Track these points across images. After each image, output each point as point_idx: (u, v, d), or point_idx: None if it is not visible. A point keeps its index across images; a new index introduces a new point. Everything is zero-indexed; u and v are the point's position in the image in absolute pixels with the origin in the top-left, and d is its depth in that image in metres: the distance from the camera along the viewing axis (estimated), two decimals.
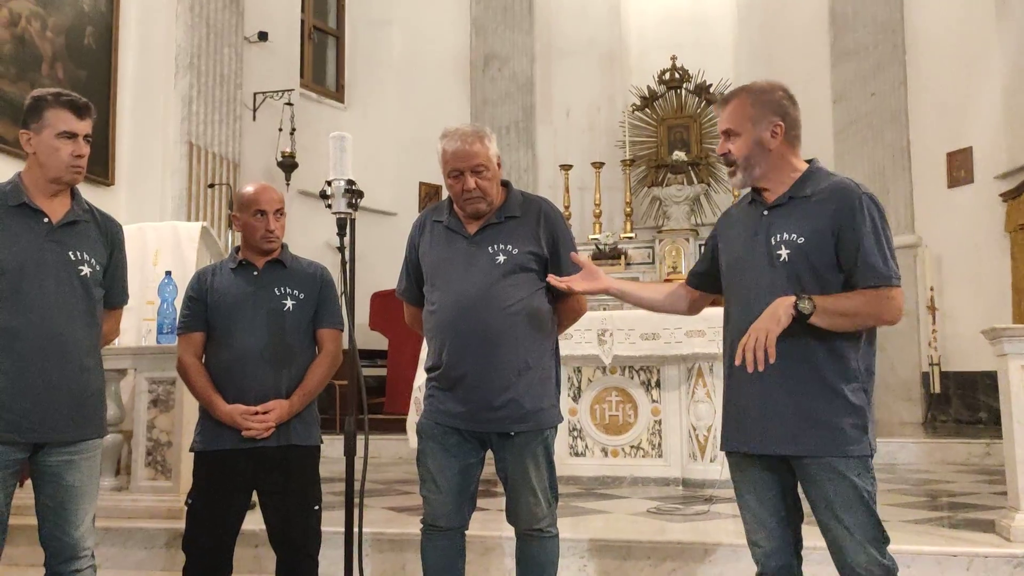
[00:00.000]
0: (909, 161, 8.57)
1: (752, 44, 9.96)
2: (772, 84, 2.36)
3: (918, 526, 3.72)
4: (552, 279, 2.53)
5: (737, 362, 2.16)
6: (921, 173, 8.50)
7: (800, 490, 2.28)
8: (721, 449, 2.40)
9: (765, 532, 2.28)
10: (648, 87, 10.08)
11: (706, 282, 2.53)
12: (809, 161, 2.34)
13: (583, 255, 2.57)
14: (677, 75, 10.01)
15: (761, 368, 2.11)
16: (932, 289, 8.05)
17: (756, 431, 2.23)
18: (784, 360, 2.13)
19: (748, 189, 2.39)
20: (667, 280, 8.11)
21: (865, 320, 2.17)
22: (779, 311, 2.11)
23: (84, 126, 2.47)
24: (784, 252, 2.20)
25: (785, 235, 2.21)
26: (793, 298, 2.12)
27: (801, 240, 2.19)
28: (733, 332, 2.30)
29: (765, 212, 2.29)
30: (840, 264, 2.18)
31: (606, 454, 5.14)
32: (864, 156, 8.76)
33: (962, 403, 8.06)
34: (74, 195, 2.55)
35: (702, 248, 2.63)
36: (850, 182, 2.24)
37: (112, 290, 2.62)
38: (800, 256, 2.19)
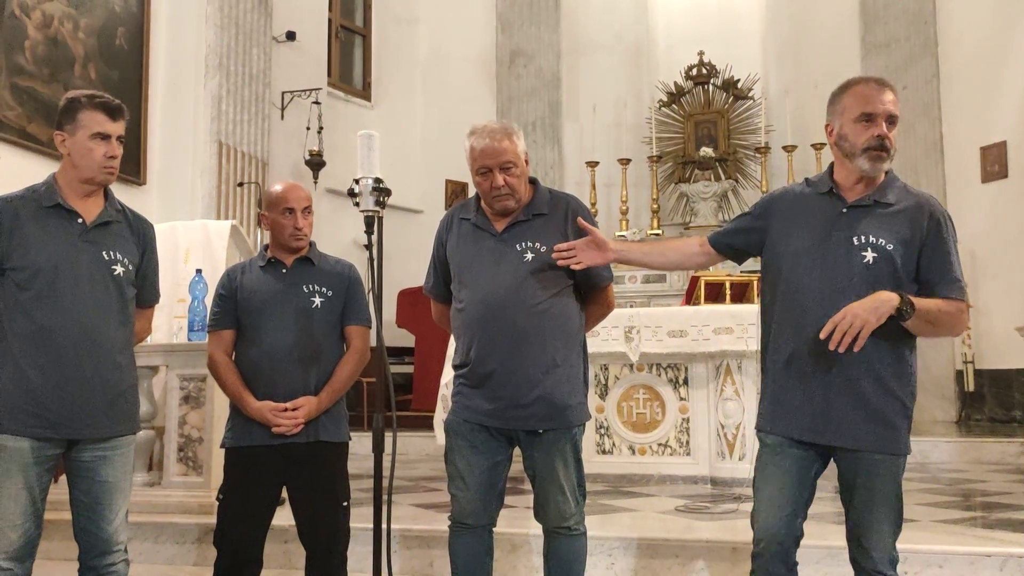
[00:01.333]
0: (942, 155, 8.45)
1: (780, 38, 9.88)
2: None
3: (951, 526, 3.67)
4: (557, 254, 2.50)
5: (823, 335, 2.15)
6: (954, 167, 8.38)
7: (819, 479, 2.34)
8: (760, 430, 2.40)
9: (776, 516, 2.33)
10: (675, 83, 10.02)
11: (734, 253, 2.53)
12: (887, 171, 2.35)
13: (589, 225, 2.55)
14: (704, 70, 9.94)
15: (842, 350, 2.13)
16: (966, 285, 7.92)
17: (813, 421, 2.27)
18: (851, 356, 2.18)
19: (804, 178, 2.44)
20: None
21: (942, 330, 2.29)
22: (882, 307, 2.15)
23: (117, 127, 2.50)
24: (870, 255, 2.24)
25: (872, 238, 2.25)
26: (898, 298, 2.16)
27: (890, 246, 2.24)
28: (800, 322, 2.28)
29: (844, 209, 2.31)
30: (920, 275, 2.25)
31: (633, 452, 5.13)
32: (896, 150, 8.64)
33: (996, 401, 7.94)
34: (107, 195, 2.58)
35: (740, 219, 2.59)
36: (934, 199, 2.34)
37: (144, 289, 2.65)
38: (887, 261, 2.24)
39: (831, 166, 2.43)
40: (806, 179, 2.49)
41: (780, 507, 2.32)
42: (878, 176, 2.32)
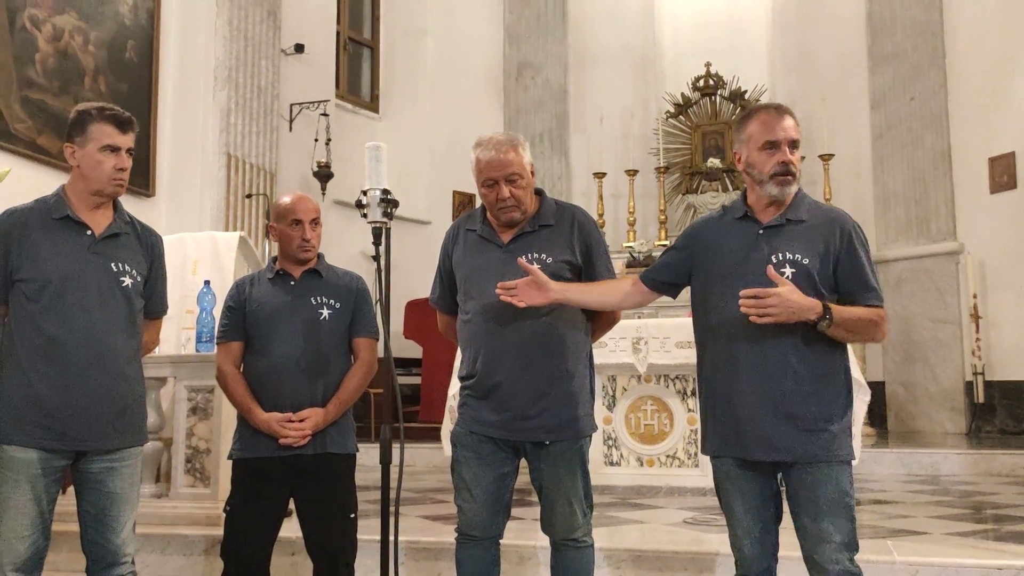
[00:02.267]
0: (950, 166, 8.42)
1: (787, 49, 9.88)
2: None
3: (962, 539, 3.64)
4: (500, 290, 2.47)
5: (743, 296, 2.21)
6: (963, 178, 8.35)
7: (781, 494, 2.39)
8: (705, 453, 2.48)
9: (749, 539, 2.38)
10: (682, 94, 10.03)
11: (665, 287, 2.58)
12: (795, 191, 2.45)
13: (533, 266, 2.51)
14: (711, 81, 9.95)
15: (753, 318, 2.20)
16: (975, 296, 7.89)
17: (747, 438, 2.31)
18: (781, 363, 2.27)
19: (720, 204, 2.50)
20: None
21: (862, 337, 2.36)
22: (803, 312, 2.21)
23: (126, 140, 2.52)
24: (788, 270, 2.31)
25: (788, 254, 2.33)
26: (820, 306, 2.22)
27: (807, 260, 2.31)
28: (725, 343, 2.36)
29: (760, 231, 2.38)
30: (839, 286, 2.32)
31: (641, 463, 5.11)
32: (904, 161, 8.64)
33: (1007, 413, 7.88)
34: (116, 207, 2.59)
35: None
36: (843, 212, 2.44)
37: (152, 300, 2.66)
38: (805, 275, 2.30)
39: (744, 191, 2.51)
40: (723, 206, 2.58)
41: (749, 530, 2.37)
42: (787, 198, 2.39)
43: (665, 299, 2.72)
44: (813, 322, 2.22)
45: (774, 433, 2.28)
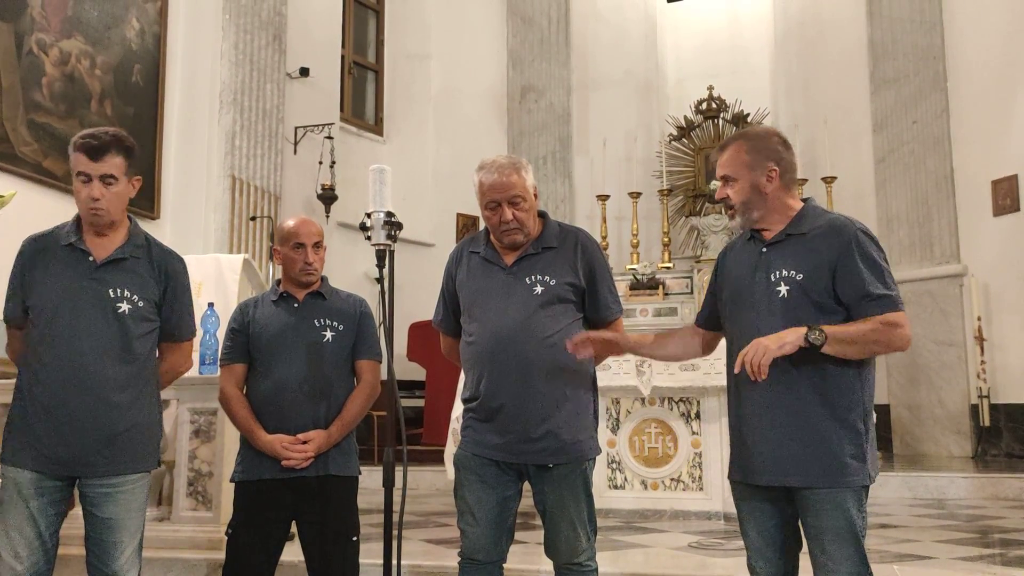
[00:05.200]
0: (953, 189, 8.43)
1: (790, 73, 9.94)
2: (767, 130, 2.51)
3: (969, 563, 3.61)
4: (570, 347, 2.52)
5: (736, 370, 2.23)
6: (965, 201, 8.36)
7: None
8: (728, 478, 2.46)
9: (764, 561, 2.35)
10: (685, 116, 10.08)
11: (714, 321, 2.56)
12: (804, 200, 2.43)
13: (592, 333, 2.58)
14: (714, 104, 10.00)
15: (752, 378, 2.17)
16: (980, 319, 7.88)
17: (762, 463, 2.28)
18: (791, 391, 2.24)
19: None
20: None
21: (874, 348, 2.24)
22: (787, 336, 2.18)
23: (99, 167, 2.45)
24: (783, 288, 2.28)
25: (784, 272, 2.29)
26: (805, 329, 2.18)
27: (800, 276, 2.27)
28: (733, 366, 2.33)
29: (764, 250, 2.37)
30: (840, 298, 2.24)
31: (646, 487, 5.08)
32: (907, 184, 8.65)
33: (1013, 436, 7.84)
34: (131, 231, 2.59)
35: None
36: (844, 219, 2.34)
37: (170, 323, 2.62)
38: (800, 292, 2.26)
39: None
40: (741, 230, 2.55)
41: (762, 552, 2.35)
42: (747, 226, 2.40)
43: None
44: (810, 345, 2.17)
45: (779, 458, 2.24)
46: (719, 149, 2.46)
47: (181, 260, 2.68)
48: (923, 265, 8.44)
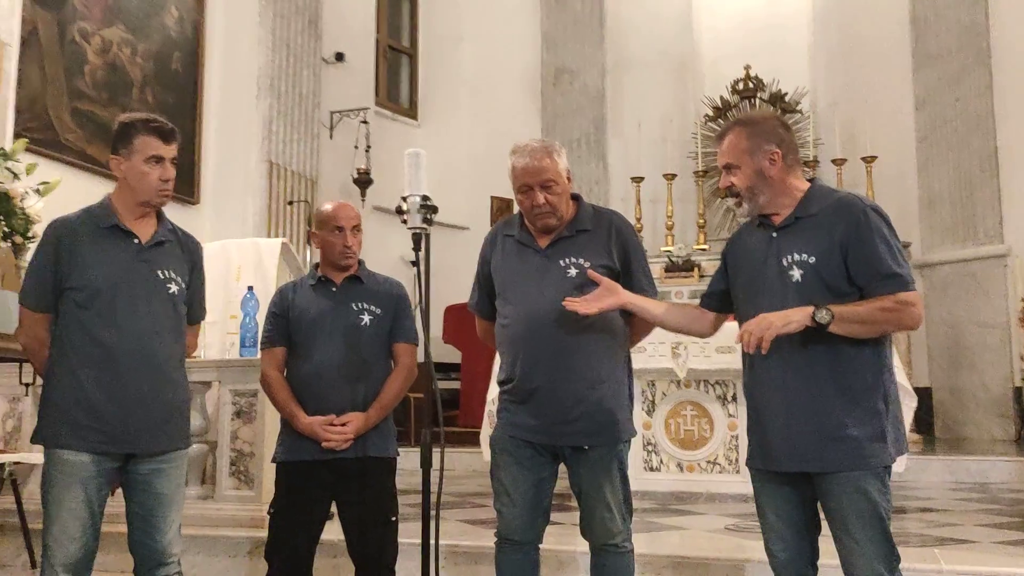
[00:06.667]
0: (997, 167, 8.25)
1: (829, 50, 9.76)
2: (764, 114, 2.52)
3: (1012, 547, 3.56)
4: (567, 303, 2.49)
5: (736, 340, 2.24)
6: (1009, 180, 8.18)
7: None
8: (746, 465, 2.45)
9: (783, 543, 2.35)
10: (721, 97, 9.95)
11: (720, 303, 2.55)
12: (811, 180, 2.40)
13: (597, 273, 2.55)
14: (751, 84, 9.86)
15: (750, 351, 2.18)
16: (1023, 300, 7.72)
17: (778, 449, 2.27)
18: (804, 373, 2.22)
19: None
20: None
21: (885, 326, 2.22)
22: (793, 315, 2.17)
23: (170, 150, 2.57)
24: (796, 272, 2.26)
25: (796, 255, 2.27)
26: (811, 308, 2.16)
27: (812, 259, 2.24)
28: (748, 353, 2.31)
29: (774, 234, 2.34)
30: (852, 278, 2.22)
31: (681, 469, 5.08)
32: (949, 163, 8.48)
33: None
34: (160, 216, 2.65)
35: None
36: (853, 197, 2.31)
37: (192, 306, 2.71)
38: (813, 275, 2.24)
39: None
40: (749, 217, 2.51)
41: (781, 535, 2.34)
42: (751, 215, 2.38)
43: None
44: (817, 324, 2.15)
45: (797, 443, 2.23)
46: (717, 138, 2.44)
47: (200, 245, 2.78)
48: (966, 246, 8.28)
